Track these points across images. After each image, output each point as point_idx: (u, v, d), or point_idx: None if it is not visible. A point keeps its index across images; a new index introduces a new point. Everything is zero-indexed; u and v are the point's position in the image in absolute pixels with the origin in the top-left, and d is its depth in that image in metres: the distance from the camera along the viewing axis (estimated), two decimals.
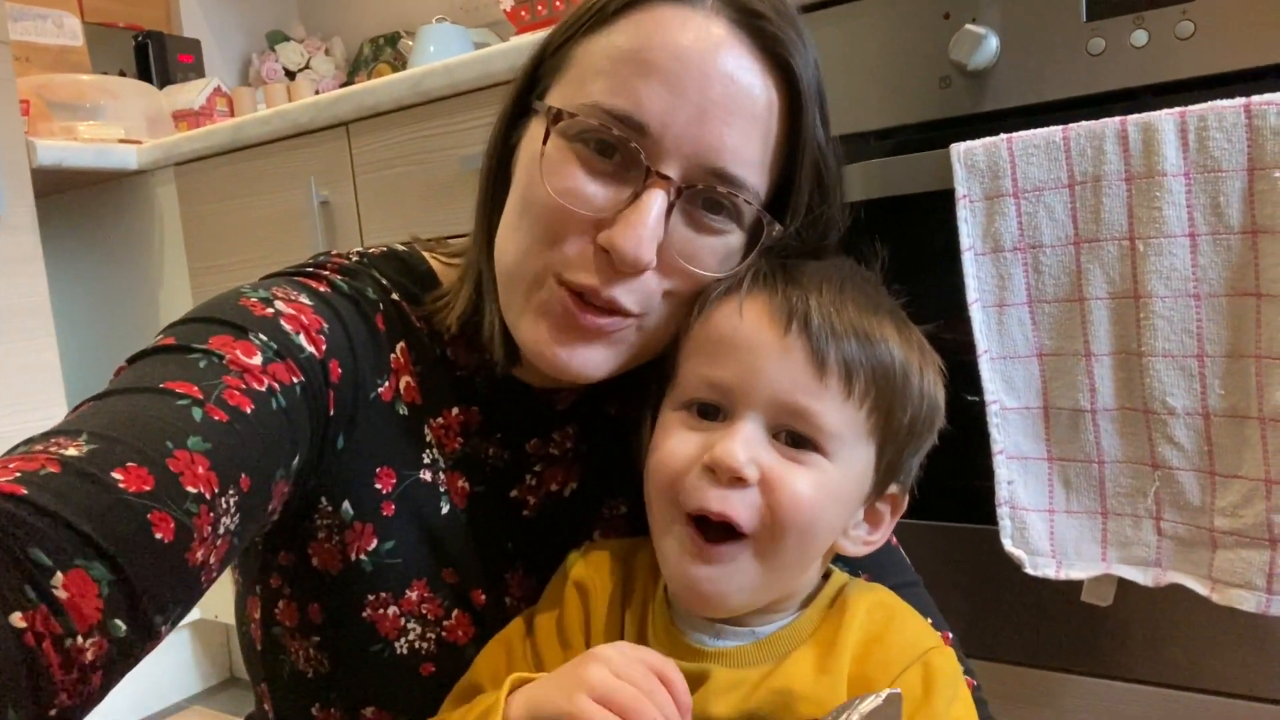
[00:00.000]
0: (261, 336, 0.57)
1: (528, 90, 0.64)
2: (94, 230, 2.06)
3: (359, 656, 0.67)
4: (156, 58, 2.33)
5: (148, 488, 0.47)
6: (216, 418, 0.52)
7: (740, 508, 0.54)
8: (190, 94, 2.17)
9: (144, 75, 2.33)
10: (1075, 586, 0.99)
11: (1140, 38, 0.94)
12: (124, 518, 0.45)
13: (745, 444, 0.54)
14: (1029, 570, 0.98)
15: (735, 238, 0.61)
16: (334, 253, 0.70)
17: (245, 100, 2.24)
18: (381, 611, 0.66)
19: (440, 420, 0.68)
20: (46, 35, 2.03)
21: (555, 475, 0.72)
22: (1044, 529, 0.98)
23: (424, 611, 0.67)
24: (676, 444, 0.57)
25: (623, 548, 0.66)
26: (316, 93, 2.40)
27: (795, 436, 0.55)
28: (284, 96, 2.27)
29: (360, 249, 0.71)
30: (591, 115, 0.57)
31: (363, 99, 1.56)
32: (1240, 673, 0.96)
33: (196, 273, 1.90)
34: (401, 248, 0.72)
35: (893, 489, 0.61)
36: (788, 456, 0.55)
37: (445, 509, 0.68)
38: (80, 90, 1.95)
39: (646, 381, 0.65)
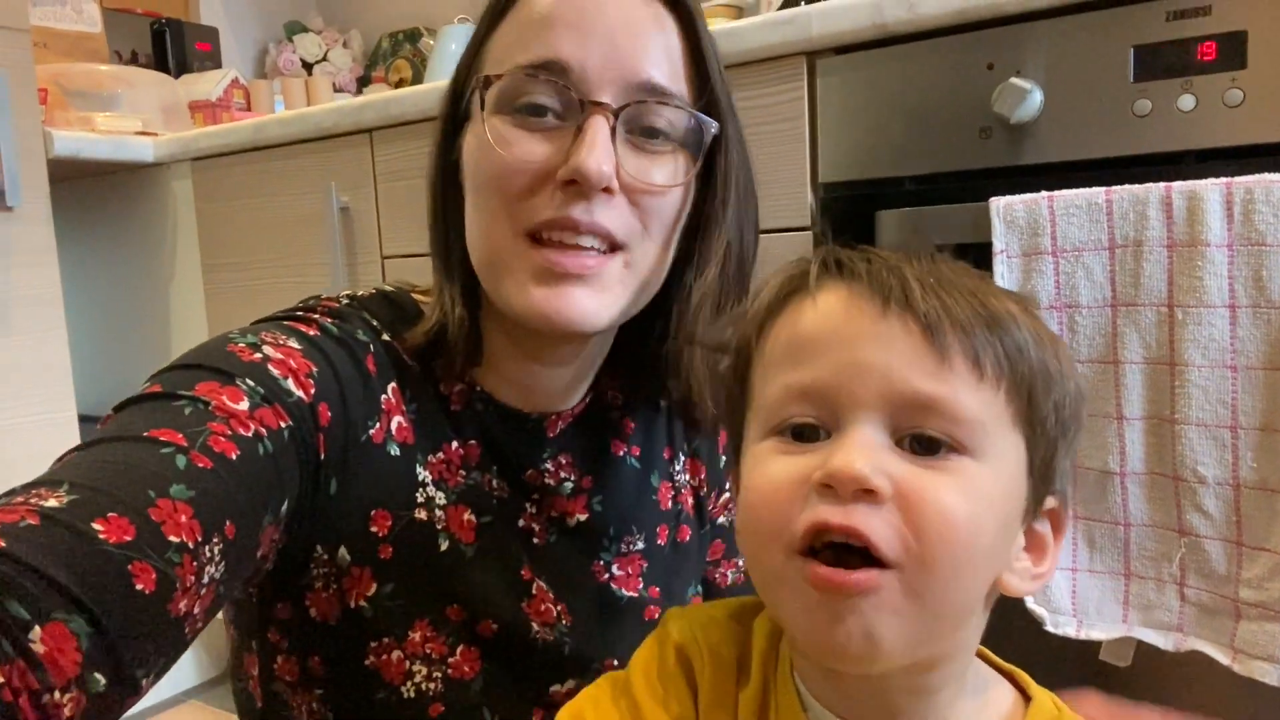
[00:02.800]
0: (249, 382, 0.57)
1: (455, 106, 0.67)
2: (106, 221, 2.04)
3: (365, 706, 0.66)
4: (174, 45, 2.31)
5: (129, 538, 0.46)
6: (201, 465, 0.51)
7: (874, 523, 0.41)
8: (207, 85, 2.15)
9: (161, 62, 2.31)
10: (1090, 643, 0.99)
11: (1188, 102, 0.94)
12: (104, 569, 0.45)
13: (865, 449, 0.42)
14: (1049, 628, 0.98)
15: (680, 156, 0.64)
16: (323, 297, 0.70)
17: (263, 94, 2.22)
18: (385, 657, 0.66)
19: (440, 456, 0.68)
20: (65, 21, 2.01)
21: (555, 505, 0.73)
22: (1066, 587, 0.98)
23: (428, 651, 0.67)
24: (774, 469, 0.45)
25: (734, 608, 0.56)
26: (334, 87, 2.38)
27: (926, 441, 0.43)
28: (301, 91, 2.25)
29: (349, 292, 0.72)
30: (516, 74, 0.61)
31: (388, 107, 1.54)
32: None
33: (210, 270, 1.89)
34: (390, 289, 0.73)
35: (1051, 501, 0.48)
36: (924, 466, 0.43)
37: (444, 545, 0.67)
38: (98, 79, 1.93)
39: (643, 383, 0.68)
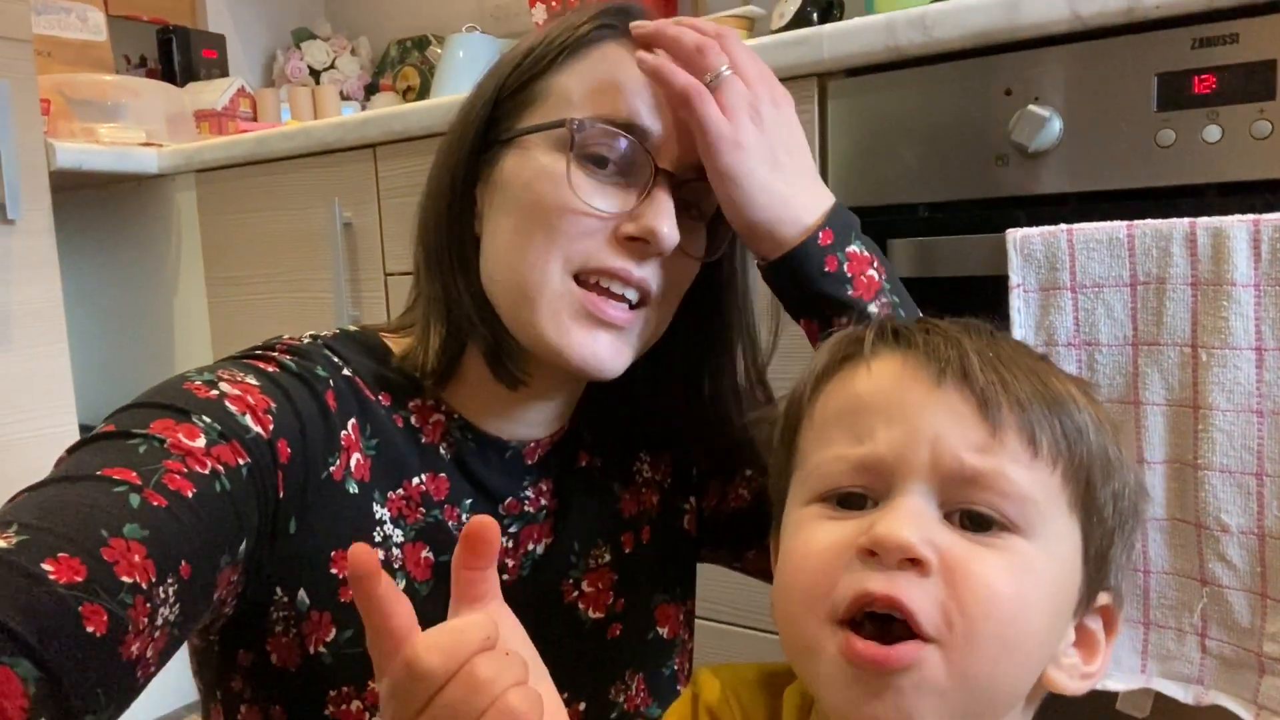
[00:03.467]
0: (205, 418, 0.56)
1: (487, 128, 0.68)
2: (109, 233, 2.03)
3: None
4: (180, 52, 2.29)
5: (79, 578, 0.45)
6: (155, 503, 0.50)
7: (916, 595, 0.40)
8: (213, 93, 2.13)
9: (167, 69, 2.30)
10: (1107, 693, 0.96)
11: (1213, 133, 0.90)
12: (53, 611, 0.44)
13: (913, 518, 0.41)
14: None
15: (703, 229, 0.69)
16: (285, 336, 0.70)
17: (269, 103, 2.20)
18: (345, 707, 0.64)
19: (400, 492, 0.67)
20: (70, 29, 1.99)
21: (531, 534, 0.72)
22: None
23: None
24: (817, 535, 0.44)
25: (765, 673, 0.55)
26: (342, 94, 2.36)
27: (976, 517, 0.42)
28: (308, 100, 2.23)
29: (313, 331, 0.71)
30: (604, 127, 0.64)
31: (391, 124, 1.52)
32: None
33: (213, 284, 1.87)
34: (354, 329, 0.73)
35: (1104, 597, 0.47)
36: (973, 540, 0.42)
37: (401, 586, 0.65)
38: (102, 89, 1.92)
39: (613, 423, 0.73)
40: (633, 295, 0.65)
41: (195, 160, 1.83)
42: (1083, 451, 0.44)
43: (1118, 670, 0.94)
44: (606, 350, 0.64)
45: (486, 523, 0.42)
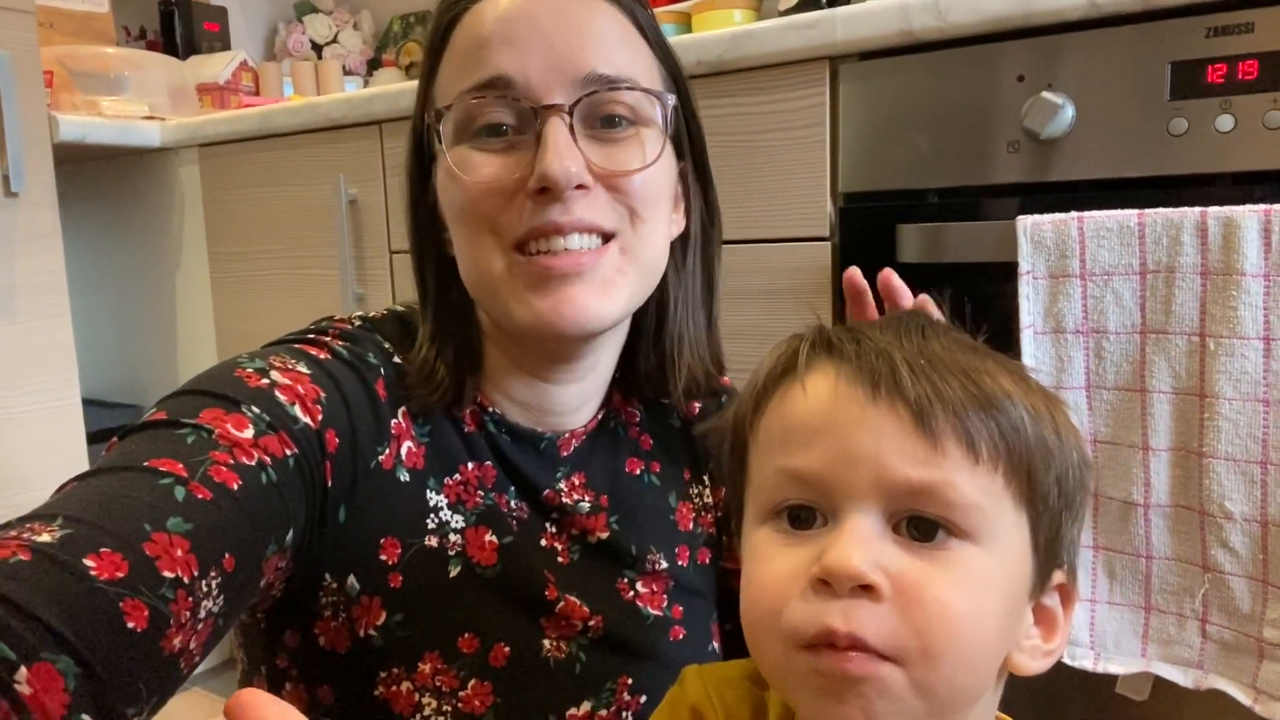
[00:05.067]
0: (254, 409, 0.56)
1: (419, 150, 0.68)
2: (112, 207, 2.02)
3: None
4: (183, 24, 2.27)
5: (121, 574, 0.45)
6: (200, 496, 0.51)
7: (872, 624, 0.41)
8: (215, 67, 2.12)
9: (169, 41, 2.28)
10: (1106, 675, 0.97)
11: (1226, 123, 0.90)
12: (94, 607, 0.44)
13: (861, 542, 0.42)
14: (1065, 660, 0.96)
15: (646, 133, 0.64)
16: (336, 318, 0.70)
17: (271, 77, 2.19)
18: (395, 688, 0.64)
19: (457, 477, 0.67)
20: (72, 1, 1.97)
21: (575, 523, 0.72)
22: (1084, 619, 0.96)
23: (438, 684, 0.65)
24: (772, 563, 0.45)
25: (751, 670, 0.55)
26: (344, 69, 2.34)
27: (922, 524, 0.43)
28: (311, 75, 2.21)
29: (362, 313, 0.71)
30: (464, 100, 0.61)
31: (397, 100, 1.51)
32: None
33: (216, 259, 1.86)
34: (402, 309, 0.72)
35: (1058, 575, 0.48)
36: (921, 555, 0.42)
37: (454, 571, 0.66)
38: (104, 62, 1.90)
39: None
40: (587, 241, 0.62)
41: (198, 135, 1.82)
42: (1022, 448, 0.44)
43: (1118, 654, 0.95)
44: (582, 301, 0.61)
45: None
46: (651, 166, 0.64)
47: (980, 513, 0.43)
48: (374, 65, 2.48)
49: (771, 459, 0.47)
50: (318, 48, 2.48)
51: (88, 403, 1.73)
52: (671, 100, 0.65)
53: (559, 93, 0.61)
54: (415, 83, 0.71)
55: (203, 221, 1.87)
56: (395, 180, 1.58)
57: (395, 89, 1.54)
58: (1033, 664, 0.47)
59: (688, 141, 0.70)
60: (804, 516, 0.45)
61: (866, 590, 0.41)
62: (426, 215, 0.68)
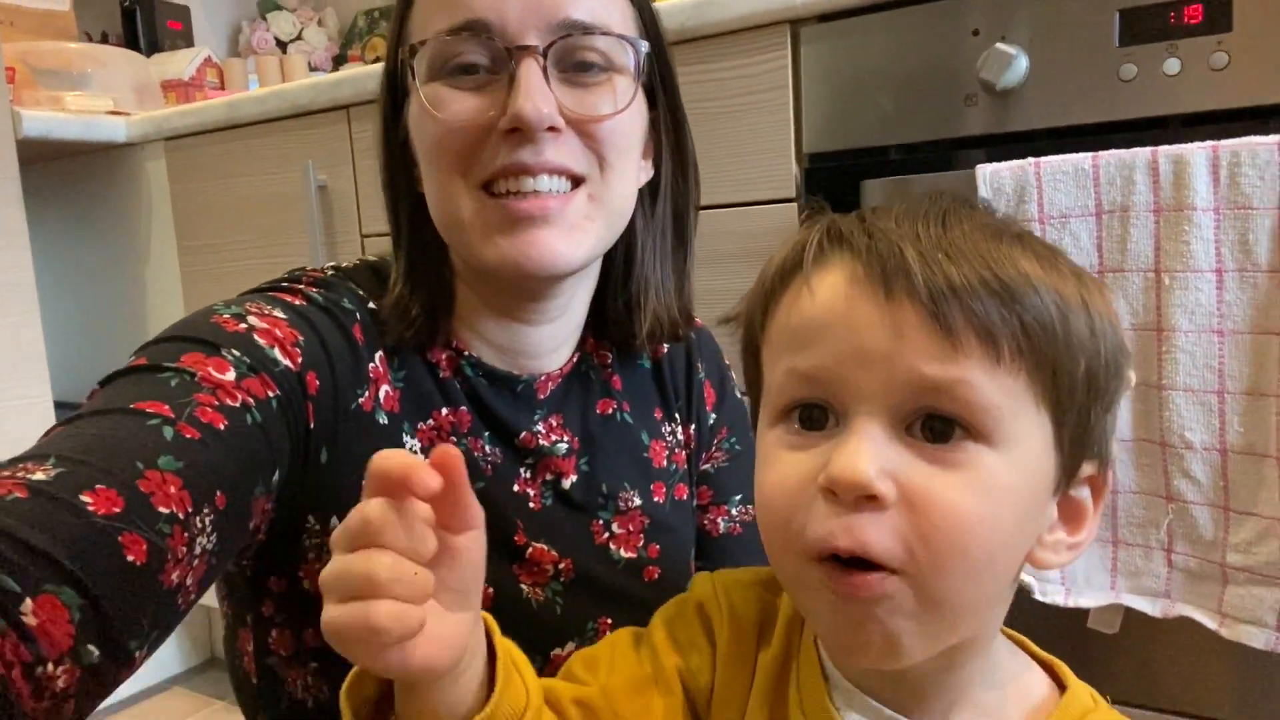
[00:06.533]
0: (234, 352, 0.57)
1: (392, 86, 0.68)
2: (79, 203, 2.00)
3: None
4: (144, 23, 2.26)
5: (117, 509, 0.46)
6: (189, 436, 0.51)
7: (877, 535, 0.39)
8: (179, 63, 2.11)
9: (131, 41, 2.27)
10: (1078, 611, 0.99)
11: (1173, 66, 0.93)
12: (94, 541, 0.44)
13: (868, 449, 0.40)
14: (1037, 596, 0.98)
15: (618, 80, 0.65)
16: (309, 268, 0.70)
17: (237, 72, 2.18)
18: None
19: (430, 423, 0.68)
20: None
21: (550, 466, 0.73)
22: None
23: None
24: (781, 470, 0.43)
25: (764, 576, 0.55)
26: (310, 65, 2.34)
27: (938, 422, 0.40)
28: (276, 69, 2.21)
29: (334, 263, 0.72)
30: (439, 39, 0.62)
31: (365, 83, 1.52)
32: (1229, 697, 0.97)
33: (185, 251, 1.86)
34: (375, 259, 0.73)
35: (1087, 468, 0.45)
36: (933, 459, 0.40)
37: None
38: (67, 58, 1.89)
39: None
40: (555, 184, 0.62)
41: (164, 128, 1.82)
42: (1047, 344, 0.41)
43: (1088, 588, 0.97)
44: (548, 245, 0.62)
45: (448, 450, 0.41)
46: (622, 113, 0.64)
47: (998, 414, 0.40)
48: (340, 61, 2.47)
49: (781, 359, 0.45)
50: (282, 45, 2.47)
51: (58, 403, 1.71)
52: (644, 47, 0.66)
53: (533, 35, 0.61)
54: (378, 67, 0.71)
55: (171, 215, 1.86)
56: (365, 164, 1.59)
57: (362, 72, 1.54)
58: (1055, 558, 0.45)
59: (661, 90, 0.71)
60: (815, 417, 0.43)
61: (872, 500, 0.40)
62: (398, 150, 0.68)
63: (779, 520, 0.43)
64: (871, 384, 0.41)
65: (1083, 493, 0.45)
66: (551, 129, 0.61)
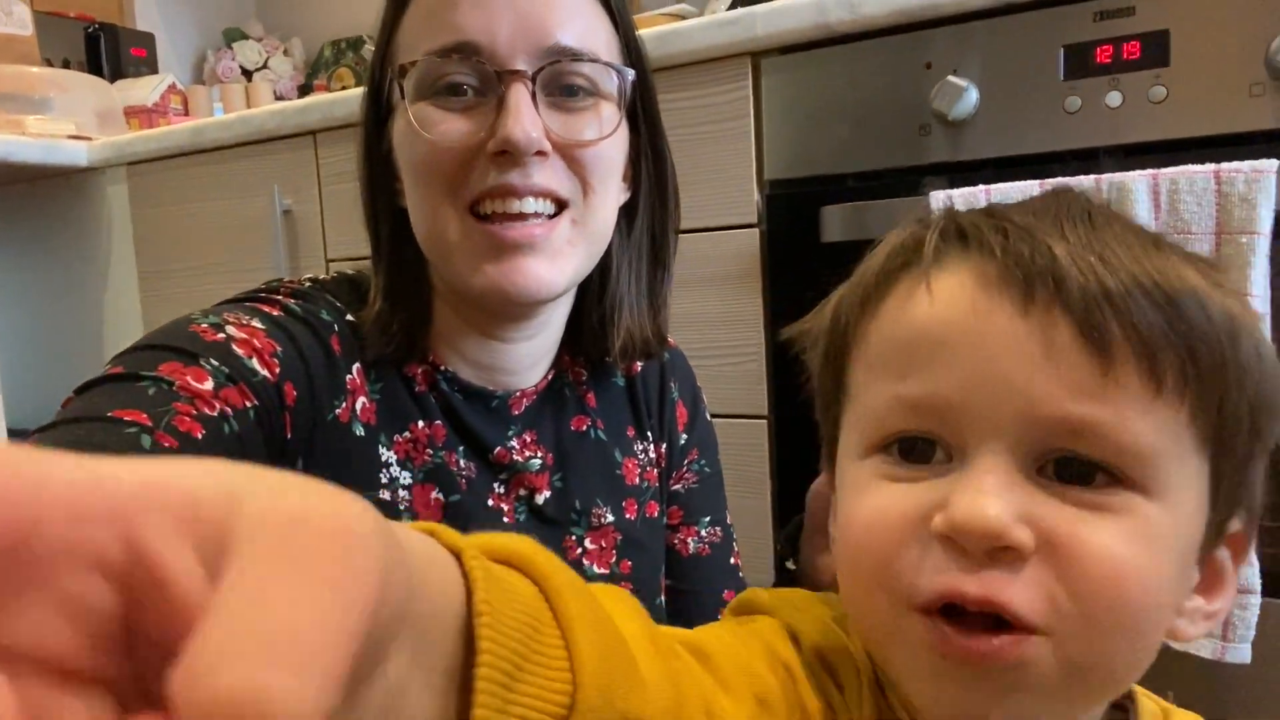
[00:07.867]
0: (212, 361, 0.57)
1: (376, 102, 0.69)
2: (38, 228, 1.98)
3: None
4: (108, 50, 2.26)
5: None
6: (166, 445, 0.52)
7: (1015, 591, 0.32)
8: (143, 90, 2.11)
9: (95, 67, 2.26)
10: None
11: (1115, 99, 0.98)
12: None
13: (999, 491, 0.33)
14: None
15: (604, 106, 0.66)
16: (286, 279, 0.71)
17: (201, 99, 2.18)
18: None
19: (408, 435, 0.69)
20: None
21: (523, 481, 0.73)
22: None
23: None
24: (878, 502, 0.36)
25: (836, 609, 0.43)
26: (275, 94, 2.35)
27: (1076, 465, 0.33)
28: (241, 97, 2.22)
29: (311, 275, 0.72)
30: (430, 60, 0.62)
31: (331, 109, 1.53)
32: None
33: (146, 277, 1.84)
34: (352, 272, 0.74)
35: (1235, 525, 0.38)
36: (1077, 503, 0.33)
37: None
38: (29, 82, 1.88)
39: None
40: (541, 206, 0.63)
41: (127, 153, 1.81)
42: (1217, 369, 0.34)
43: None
44: (533, 272, 0.63)
45: None
46: (607, 138, 0.65)
47: (1155, 459, 0.33)
48: (305, 91, 2.49)
49: (884, 380, 0.37)
50: (248, 73, 2.48)
51: (13, 431, 1.68)
52: (631, 75, 0.67)
53: (523, 59, 0.62)
54: (350, 91, 0.71)
55: (131, 240, 1.85)
56: (331, 190, 1.59)
57: (329, 98, 1.55)
58: (1193, 629, 0.37)
59: (643, 116, 0.71)
60: (920, 449, 0.36)
61: (1007, 550, 0.33)
62: (380, 164, 0.69)
63: (875, 560, 0.36)
64: (1001, 418, 0.34)
65: (1224, 554, 0.38)
66: (539, 153, 0.62)
